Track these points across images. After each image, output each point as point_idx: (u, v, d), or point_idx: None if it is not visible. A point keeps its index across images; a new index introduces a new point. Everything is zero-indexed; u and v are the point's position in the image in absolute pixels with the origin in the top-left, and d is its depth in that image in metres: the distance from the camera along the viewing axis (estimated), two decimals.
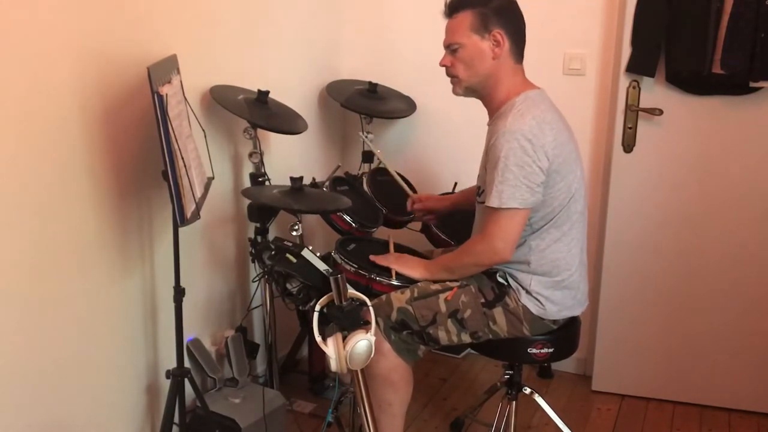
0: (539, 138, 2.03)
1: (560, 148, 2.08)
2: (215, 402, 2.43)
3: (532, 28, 2.20)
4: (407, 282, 2.22)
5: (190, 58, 2.31)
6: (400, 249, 2.44)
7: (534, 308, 2.15)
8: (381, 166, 2.87)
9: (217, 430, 2.34)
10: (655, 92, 2.77)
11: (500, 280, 2.18)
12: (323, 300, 1.91)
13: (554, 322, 2.20)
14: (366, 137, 2.94)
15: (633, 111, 2.80)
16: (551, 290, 2.16)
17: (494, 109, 2.18)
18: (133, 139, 2.19)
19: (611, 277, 2.95)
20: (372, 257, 2.28)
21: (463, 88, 2.19)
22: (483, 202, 2.12)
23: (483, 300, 2.16)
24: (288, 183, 2.32)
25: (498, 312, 2.16)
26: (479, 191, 2.20)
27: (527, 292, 2.15)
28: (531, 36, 2.19)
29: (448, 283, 2.18)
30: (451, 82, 2.20)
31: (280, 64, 2.91)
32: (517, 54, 2.16)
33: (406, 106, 3.18)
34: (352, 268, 2.22)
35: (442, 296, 2.15)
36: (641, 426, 2.83)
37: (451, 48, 2.15)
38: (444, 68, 2.20)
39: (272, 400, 2.50)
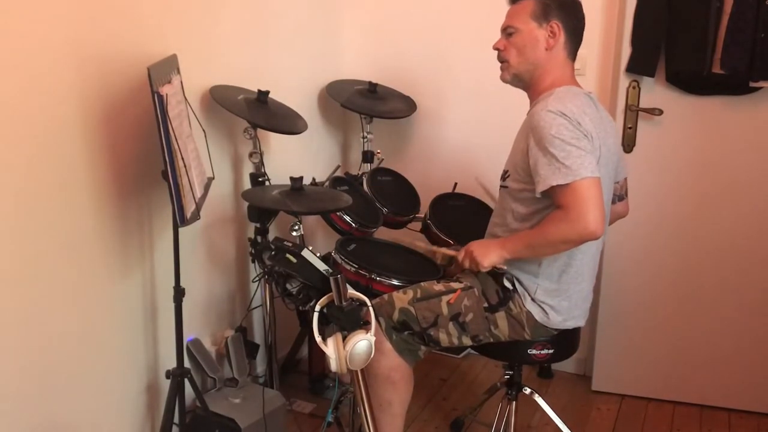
0: (580, 124, 1.98)
1: (598, 142, 2.03)
2: (215, 402, 2.43)
3: None
4: (408, 282, 2.22)
5: (190, 58, 2.31)
6: (400, 249, 2.44)
7: (538, 315, 2.13)
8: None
9: (217, 430, 2.34)
10: (655, 92, 2.77)
11: (507, 283, 2.15)
12: (323, 300, 1.91)
13: (556, 329, 2.18)
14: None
15: (633, 111, 2.80)
16: (557, 299, 2.13)
17: (535, 97, 2.16)
18: (133, 139, 2.19)
19: (611, 276, 2.95)
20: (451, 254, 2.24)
21: (512, 74, 2.17)
22: (507, 187, 2.12)
23: (486, 304, 2.14)
24: (288, 183, 2.32)
25: (500, 316, 2.14)
26: (505, 175, 2.18)
27: (532, 299, 2.13)
28: None
29: (451, 284, 2.18)
30: (501, 68, 2.19)
31: (280, 64, 2.91)
32: (571, 50, 2.15)
33: (406, 106, 3.18)
34: (352, 268, 2.22)
35: (444, 299, 2.15)
36: (641, 426, 2.83)
37: (507, 32, 2.15)
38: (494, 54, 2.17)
39: (272, 400, 2.50)
